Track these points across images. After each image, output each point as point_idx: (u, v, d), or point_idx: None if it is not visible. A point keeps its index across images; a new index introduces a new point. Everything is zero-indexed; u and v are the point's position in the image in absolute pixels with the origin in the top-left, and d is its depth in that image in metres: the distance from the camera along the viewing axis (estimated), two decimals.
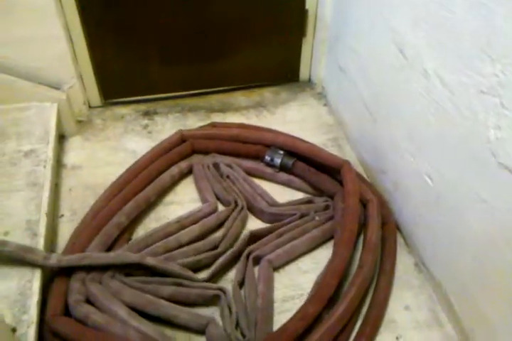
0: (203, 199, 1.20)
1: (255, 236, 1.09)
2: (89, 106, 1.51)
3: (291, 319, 0.86)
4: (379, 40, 1.15)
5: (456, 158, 0.89)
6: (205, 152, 1.31)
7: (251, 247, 1.06)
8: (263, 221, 1.17)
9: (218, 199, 1.21)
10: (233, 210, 1.14)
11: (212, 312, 0.96)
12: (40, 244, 0.96)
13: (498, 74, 0.74)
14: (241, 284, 1.01)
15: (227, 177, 1.23)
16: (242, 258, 1.03)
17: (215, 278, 1.02)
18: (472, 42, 0.80)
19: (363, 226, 1.10)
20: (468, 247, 0.89)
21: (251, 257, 1.04)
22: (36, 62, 1.30)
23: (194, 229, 1.07)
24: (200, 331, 0.92)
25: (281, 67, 1.64)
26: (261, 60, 1.58)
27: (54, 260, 0.91)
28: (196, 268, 1.03)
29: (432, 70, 0.94)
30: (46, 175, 1.11)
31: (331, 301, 0.93)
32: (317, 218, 1.12)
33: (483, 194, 0.82)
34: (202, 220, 1.10)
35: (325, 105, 1.58)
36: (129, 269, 0.98)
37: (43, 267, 0.92)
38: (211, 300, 0.97)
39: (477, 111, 0.80)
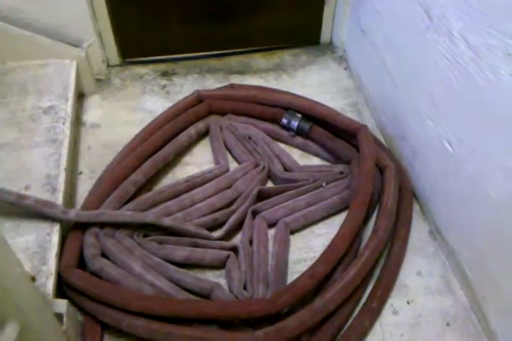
0: (216, 161, 1.20)
1: (264, 194, 1.09)
2: (108, 65, 1.50)
3: (300, 277, 0.88)
4: (404, 1, 1.11)
5: (478, 123, 0.87)
6: (222, 113, 1.30)
7: (256, 205, 1.06)
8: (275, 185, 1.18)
9: (238, 162, 1.21)
10: (251, 170, 1.14)
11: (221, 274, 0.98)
12: (59, 199, 0.98)
13: None
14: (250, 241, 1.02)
15: (249, 137, 1.23)
16: (249, 215, 1.04)
17: (229, 235, 1.04)
18: (501, 2, 0.76)
19: (380, 192, 1.10)
20: (485, 216, 0.88)
21: (260, 215, 1.04)
22: (56, 18, 1.28)
23: (209, 188, 1.08)
24: (205, 295, 0.92)
25: (302, 29, 1.59)
26: (282, 20, 1.54)
27: (72, 215, 0.93)
28: (213, 226, 1.04)
29: (458, 32, 0.90)
30: (65, 131, 1.11)
31: (345, 265, 0.94)
32: (324, 185, 1.12)
33: (503, 160, 0.80)
34: (216, 179, 1.10)
35: (345, 69, 1.54)
36: (146, 228, 1.00)
37: (61, 221, 0.94)
38: (225, 263, 0.98)
39: (502, 74, 0.78)
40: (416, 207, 1.13)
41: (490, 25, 0.80)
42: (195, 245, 0.98)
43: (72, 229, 0.96)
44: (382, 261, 0.99)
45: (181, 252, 0.96)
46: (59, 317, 0.78)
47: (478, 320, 0.92)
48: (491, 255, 0.87)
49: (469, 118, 0.90)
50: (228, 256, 0.97)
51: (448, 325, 0.92)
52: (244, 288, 0.93)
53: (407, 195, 1.11)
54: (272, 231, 1.06)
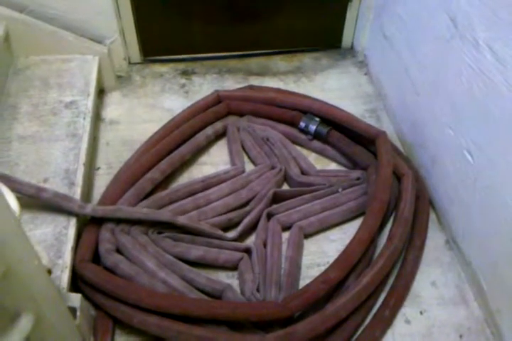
0: (232, 162, 1.20)
1: (279, 197, 1.09)
2: (129, 63, 1.51)
3: (313, 282, 0.87)
4: (429, 8, 1.10)
5: (500, 134, 0.86)
6: (241, 114, 1.30)
7: (272, 208, 1.06)
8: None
9: (254, 163, 1.21)
10: (266, 172, 1.14)
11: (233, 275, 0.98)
12: (77, 193, 0.98)
13: None
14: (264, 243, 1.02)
15: (267, 139, 1.23)
16: (263, 217, 1.04)
17: (243, 236, 1.04)
18: None
19: (397, 200, 1.09)
20: (503, 227, 0.86)
21: (275, 218, 1.04)
22: (80, 14, 1.30)
23: (223, 188, 1.08)
24: (216, 296, 0.92)
25: (323, 33, 1.59)
26: (304, 23, 1.54)
27: (89, 209, 0.94)
28: (227, 226, 1.04)
29: (484, 41, 0.89)
30: (85, 126, 1.12)
31: (359, 272, 0.94)
32: (340, 190, 1.11)
33: None
34: (231, 180, 1.10)
35: (366, 74, 1.54)
36: (161, 226, 1.00)
37: (78, 215, 0.95)
38: (238, 264, 0.98)
39: None
40: (432, 216, 1.12)
41: None
42: (210, 245, 0.98)
43: (89, 224, 0.96)
44: (396, 270, 0.98)
45: (196, 251, 0.96)
46: (72, 310, 0.78)
47: (492, 333, 0.91)
48: (507, 267, 0.86)
49: (491, 129, 0.89)
50: (242, 258, 0.97)
51: (461, 336, 0.91)
52: (257, 290, 0.92)
53: (424, 204, 1.10)
54: (285, 235, 1.05)
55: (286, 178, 1.18)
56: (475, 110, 0.94)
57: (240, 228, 1.01)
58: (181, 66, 1.53)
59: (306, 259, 1.02)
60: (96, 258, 0.94)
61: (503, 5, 0.83)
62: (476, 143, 0.94)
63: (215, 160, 1.24)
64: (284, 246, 1.03)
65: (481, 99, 0.92)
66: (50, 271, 0.81)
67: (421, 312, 0.94)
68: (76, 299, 0.79)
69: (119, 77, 1.45)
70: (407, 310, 0.94)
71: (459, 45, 0.99)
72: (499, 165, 0.87)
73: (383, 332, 0.89)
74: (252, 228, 1.05)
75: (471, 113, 0.96)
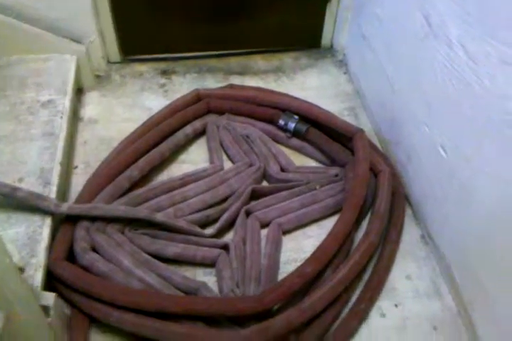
0: (211, 161, 1.21)
1: (257, 193, 1.10)
2: (108, 62, 1.51)
3: (288, 276, 0.88)
4: (405, 7, 1.12)
5: (473, 130, 0.87)
6: (220, 112, 1.30)
7: (250, 205, 1.07)
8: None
9: (233, 162, 1.21)
10: (245, 170, 1.15)
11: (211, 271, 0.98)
12: (53, 192, 0.98)
13: None
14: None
15: (247, 137, 1.23)
16: (242, 214, 1.04)
17: (221, 233, 1.04)
18: (499, 10, 0.77)
19: (373, 196, 1.10)
20: (477, 222, 0.88)
21: (254, 215, 1.05)
22: (58, 13, 1.29)
23: (200, 185, 1.08)
24: (192, 295, 0.91)
25: (303, 32, 1.60)
26: (283, 23, 1.55)
27: (65, 208, 0.93)
28: (205, 223, 1.04)
29: (457, 39, 0.91)
30: (62, 125, 1.12)
31: (335, 266, 0.94)
32: (318, 187, 1.12)
33: (497, 167, 0.80)
34: (209, 177, 1.11)
35: (345, 73, 1.55)
36: (137, 224, 1.00)
37: (53, 214, 0.94)
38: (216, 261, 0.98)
39: (498, 82, 0.78)
40: (408, 212, 1.13)
41: (487, 33, 0.80)
42: (187, 242, 0.98)
43: (64, 223, 0.96)
44: (372, 264, 1.00)
45: (173, 248, 0.96)
46: (46, 309, 0.78)
47: (465, 325, 0.92)
48: (479, 261, 0.88)
49: (465, 126, 0.90)
50: (219, 255, 0.98)
51: (435, 328, 0.92)
52: (237, 286, 0.93)
53: (400, 200, 1.11)
54: (264, 231, 1.06)
55: (265, 176, 1.18)
56: (449, 107, 0.96)
57: (217, 225, 1.02)
58: (161, 65, 1.53)
59: (284, 255, 1.03)
60: (71, 257, 0.93)
61: (472, 2, 0.84)
62: (451, 140, 0.96)
63: (195, 159, 1.24)
64: (263, 243, 1.03)
65: (455, 96, 0.93)
66: (22, 270, 0.81)
67: (396, 305, 0.95)
68: (50, 298, 0.79)
69: (97, 76, 1.45)
70: (382, 303, 0.95)
71: (433, 43, 1.00)
72: (473, 162, 0.88)
73: (359, 324, 0.90)
74: (230, 225, 1.05)
75: (445, 110, 0.97)
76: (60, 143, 1.07)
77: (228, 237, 1.05)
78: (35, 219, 0.93)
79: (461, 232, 0.94)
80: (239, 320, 0.87)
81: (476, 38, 0.84)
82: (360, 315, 0.91)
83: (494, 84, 0.80)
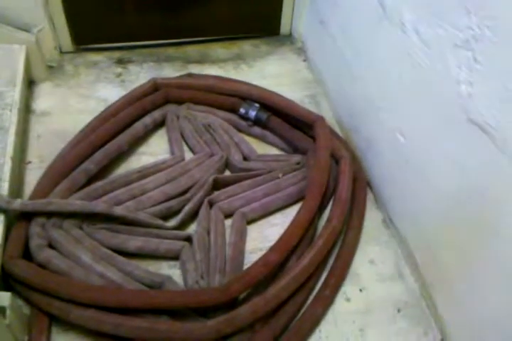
0: (171, 152, 1.18)
1: (220, 183, 1.09)
2: (61, 52, 1.45)
3: (253, 265, 0.88)
4: None
5: (428, 114, 0.88)
6: (179, 102, 1.28)
7: (213, 195, 1.06)
8: None
9: (193, 152, 1.19)
10: (206, 160, 1.13)
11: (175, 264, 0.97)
12: (5, 188, 0.93)
13: (473, 28, 0.72)
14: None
15: (209, 126, 1.21)
16: (205, 205, 1.03)
17: (184, 224, 1.02)
18: None
19: (335, 182, 1.11)
20: (434, 205, 0.90)
21: (217, 206, 1.04)
22: (3, 0, 1.23)
23: (160, 177, 1.06)
24: (156, 289, 0.89)
25: (261, 19, 1.59)
26: (241, 10, 1.52)
27: (18, 204, 0.89)
28: (167, 215, 1.02)
29: (410, 24, 0.92)
30: (12, 119, 1.06)
31: (300, 253, 0.95)
32: (280, 176, 1.12)
33: (451, 151, 0.82)
34: (169, 168, 1.08)
35: (304, 60, 1.55)
36: (95, 218, 0.97)
37: (6, 212, 0.90)
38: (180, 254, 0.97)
39: (450, 66, 0.79)
40: (370, 197, 1.15)
41: (438, 16, 0.81)
42: (149, 235, 0.96)
43: (18, 220, 0.92)
44: (336, 250, 1.00)
45: (135, 242, 0.94)
46: (1, 310, 0.74)
47: (427, 306, 0.95)
48: (439, 244, 0.90)
49: (419, 110, 0.91)
50: (183, 247, 0.96)
51: (399, 310, 0.94)
52: (202, 278, 0.91)
53: (361, 185, 1.12)
54: (228, 222, 1.05)
55: (228, 165, 1.17)
56: (405, 92, 0.97)
57: (180, 216, 1.00)
58: (116, 54, 1.48)
59: (248, 245, 1.02)
60: (27, 254, 0.89)
61: None
62: (407, 125, 0.97)
63: (154, 150, 1.21)
64: (227, 233, 1.02)
65: (409, 81, 0.94)
66: None
67: (360, 290, 0.96)
68: (5, 298, 0.75)
69: (49, 66, 1.39)
70: (347, 289, 0.96)
71: (387, 28, 1.01)
72: (428, 146, 0.90)
73: (324, 310, 0.91)
74: (193, 216, 1.04)
75: (401, 95, 0.98)
76: (11, 138, 1.02)
77: (192, 229, 1.03)
78: None
79: (419, 215, 0.96)
80: (206, 312, 0.86)
81: (428, 21, 0.85)
82: (326, 301, 0.91)
83: (445, 67, 0.81)
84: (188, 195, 1.04)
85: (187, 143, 1.22)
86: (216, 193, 1.07)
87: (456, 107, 0.78)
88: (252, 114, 1.23)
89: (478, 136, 0.74)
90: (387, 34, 1.00)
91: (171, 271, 0.96)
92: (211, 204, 1.06)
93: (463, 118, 0.77)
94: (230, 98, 1.27)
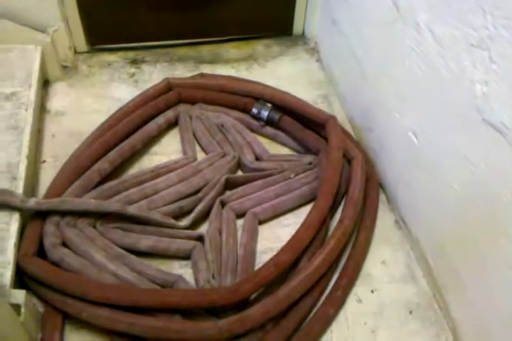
0: (184, 152, 1.19)
1: (232, 183, 1.09)
2: (75, 52, 1.46)
3: (264, 265, 0.88)
4: None
5: (441, 114, 0.88)
6: (192, 101, 1.28)
7: (225, 195, 1.06)
8: None
9: (205, 152, 1.19)
10: (218, 160, 1.14)
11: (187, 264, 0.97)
12: (20, 187, 0.95)
13: (489, 27, 0.72)
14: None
15: (222, 126, 1.22)
16: (217, 205, 1.03)
17: (196, 224, 1.03)
18: None
19: (347, 183, 1.10)
20: (447, 206, 0.89)
21: (228, 206, 1.04)
22: (20, 1, 1.24)
23: (172, 177, 1.06)
24: (168, 287, 0.90)
25: (274, 19, 1.58)
26: (254, 10, 1.52)
27: (32, 203, 0.91)
28: (179, 215, 1.02)
29: (424, 23, 0.91)
30: (27, 118, 1.08)
31: (311, 254, 0.94)
32: (292, 176, 1.11)
33: (464, 151, 0.81)
34: (181, 168, 1.09)
35: (317, 61, 1.54)
36: (109, 217, 0.98)
37: (21, 210, 0.92)
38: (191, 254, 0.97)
39: (465, 66, 0.78)
40: (382, 198, 1.14)
41: (453, 16, 0.80)
42: (161, 234, 0.97)
43: (33, 218, 0.93)
44: (347, 251, 1.00)
45: (146, 241, 0.95)
46: (16, 308, 0.75)
47: (440, 308, 0.94)
48: (451, 245, 0.89)
49: (433, 110, 0.91)
50: (195, 246, 0.96)
51: (411, 312, 0.93)
52: (213, 278, 0.92)
53: (373, 186, 1.12)
54: (240, 222, 1.05)
55: (240, 165, 1.17)
56: (418, 92, 0.96)
57: (192, 216, 1.00)
58: (130, 55, 1.50)
59: (260, 245, 1.03)
60: (42, 253, 0.91)
61: None
62: (420, 125, 0.96)
63: (167, 150, 1.22)
64: (239, 233, 1.03)
65: (424, 81, 0.93)
66: None
67: (372, 291, 0.96)
68: (20, 296, 0.77)
69: (64, 67, 1.40)
70: (358, 290, 0.96)
71: (401, 28, 1.00)
72: (442, 146, 0.89)
73: (336, 311, 0.90)
74: (205, 216, 1.04)
75: (415, 95, 0.97)
76: (26, 137, 1.04)
77: (203, 228, 1.04)
78: (2, 215, 0.90)
79: (432, 216, 0.95)
80: (218, 312, 0.86)
81: (443, 21, 0.84)
82: (337, 301, 0.91)
83: (460, 67, 0.80)
84: (200, 195, 1.04)
85: (199, 143, 1.22)
86: (228, 193, 1.08)
87: (471, 107, 0.78)
88: (265, 114, 1.23)
89: (493, 137, 0.73)
90: (401, 34, 1.00)
91: (182, 270, 0.96)
92: (223, 204, 1.06)
93: (477, 119, 0.77)
94: (242, 98, 1.27)
